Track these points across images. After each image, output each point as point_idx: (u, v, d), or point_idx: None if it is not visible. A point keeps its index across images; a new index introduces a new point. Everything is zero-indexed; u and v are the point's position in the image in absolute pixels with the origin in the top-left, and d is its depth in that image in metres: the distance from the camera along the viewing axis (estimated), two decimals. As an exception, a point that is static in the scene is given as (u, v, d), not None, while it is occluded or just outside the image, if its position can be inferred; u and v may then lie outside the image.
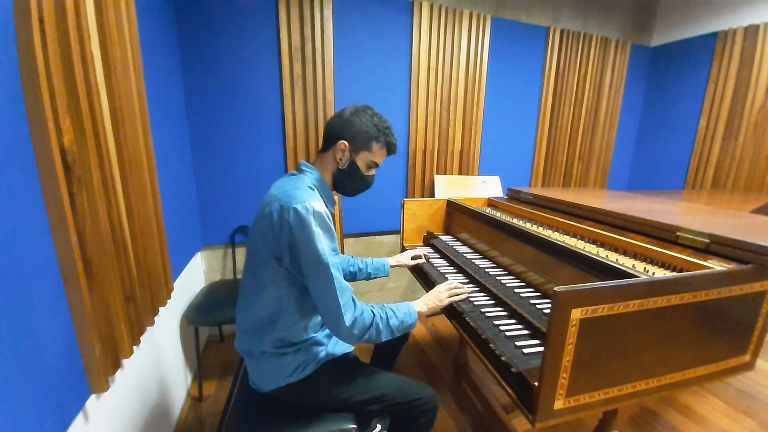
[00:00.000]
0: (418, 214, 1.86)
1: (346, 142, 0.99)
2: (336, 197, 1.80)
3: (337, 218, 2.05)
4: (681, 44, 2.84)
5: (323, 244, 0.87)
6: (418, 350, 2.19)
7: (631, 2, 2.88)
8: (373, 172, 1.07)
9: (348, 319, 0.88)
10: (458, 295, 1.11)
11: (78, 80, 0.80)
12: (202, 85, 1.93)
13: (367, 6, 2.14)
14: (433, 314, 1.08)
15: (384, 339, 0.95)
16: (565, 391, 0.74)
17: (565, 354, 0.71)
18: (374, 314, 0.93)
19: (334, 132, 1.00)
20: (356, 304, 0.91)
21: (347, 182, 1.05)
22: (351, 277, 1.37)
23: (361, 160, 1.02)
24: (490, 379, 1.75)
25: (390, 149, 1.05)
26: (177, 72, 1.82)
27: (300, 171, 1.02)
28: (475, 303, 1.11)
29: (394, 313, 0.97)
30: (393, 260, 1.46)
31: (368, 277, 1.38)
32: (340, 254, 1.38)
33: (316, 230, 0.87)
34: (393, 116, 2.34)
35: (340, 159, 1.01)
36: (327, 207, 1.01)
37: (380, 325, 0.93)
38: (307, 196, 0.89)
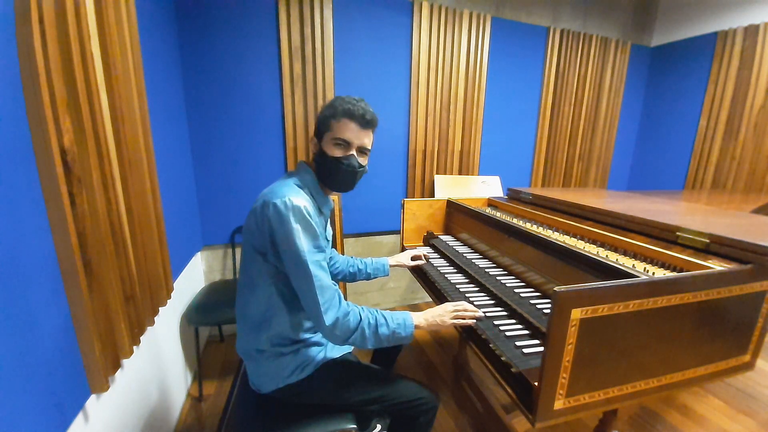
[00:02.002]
0: (418, 214, 1.86)
1: (313, 136, 1.01)
2: (334, 197, 1.78)
3: (337, 218, 2.05)
4: (681, 44, 2.84)
5: (302, 240, 0.85)
6: (418, 350, 2.19)
7: (631, 2, 2.88)
8: (351, 151, 0.96)
9: (328, 319, 0.85)
10: (464, 318, 0.99)
11: (78, 80, 0.80)
12: (202, 85, 1.93)
13: (367, 6, 2.14)
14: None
15: (370, 346, 0.90)
16: (565, 391, 0.74)
17: (565, 354, 0.71)
18: (361, 318, 0.89)
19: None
20: (341, 305, 0.88)
21: (326, 173, 0.98)
22: (351, 277, 1.37)
23: (328, 145, 0.96)
24: (490, 379, 1.75)
25: (349, 115, 0.94)
26: (177, 72, 1.81)
27: (296, 169, 1.03)
28: (476, 303, 1.11)
29: (386, 321, 0.91)
30: (393, 260, 1.46)
31: (368, 277, 1.38)
32: (339, 255, 1.38)
33: (295, 226, 0.85)
34: (393, 116, 2.34)
35: (314, 153, 1.01)
36: (321, 207, 1.00)
37: (366, 331, 0.88)
38: (288, 191, 0.89)
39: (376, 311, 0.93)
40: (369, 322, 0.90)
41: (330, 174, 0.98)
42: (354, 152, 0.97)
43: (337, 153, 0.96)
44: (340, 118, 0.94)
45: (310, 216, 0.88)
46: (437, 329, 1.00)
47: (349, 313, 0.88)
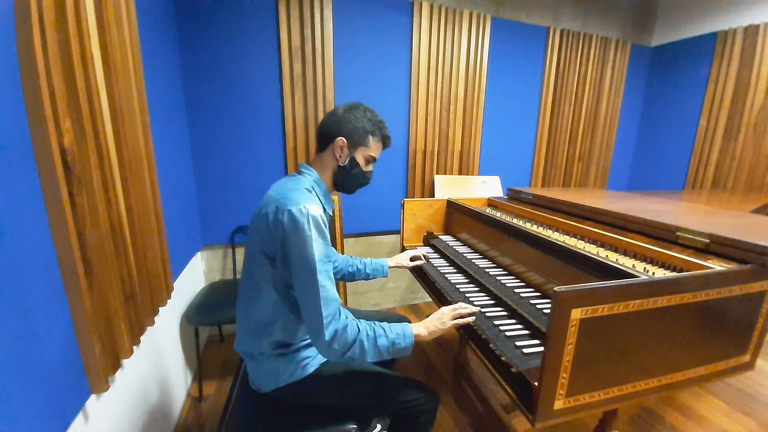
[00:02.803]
0: (418, 214, 1.86)
1: (344, 139, 0.98)
2: (335, 197, 1.78)
3: (336, 218, 2.05)
4: (681, 44, 2.84)
5: (315, 249, 0.85)
6: (418, 350, 2.19)
7: (631, 2, 2.88)
8: (371, 167, 1.07)
9: (329, 333, 0.84)
10: (463, 317, 1.00)
11: (78, 80, 0.80)
12: (202, 85, 1.93)
13: (367, 6, 2.14)
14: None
15: (370, 359, 0.89)
16: (565, 391, 0.74)
17: (565, 354, 0.71)
18: (359, 330, 0.87)
19: (330, 130, 0.99)
20: (341, 318, 0.87)
21: (348, 179, 1.04)
22: (350, 277, 1.37)
23: (360, 156, 1.02)
24: (490, 379, 1.75)
25: (386, 143, 1.05)
26: (177, 72, 1.81)
27: (299, 172, 1.02)
28: (476, 303, 1.11)
29: (384, 332, 0.90)
30: (392, 261, 1.46)
31: (367, 278, 1.38)
32: (338, 254, 1.38)
33: (310, 234, 0.84)
34: (393, 116, 2.34)
35: (340, 156, 1.00)
36: (325, 209, 1.00)
37: (365, 343, 0.87)
38: (303, 198, 0.88)
39: (373, 323, 0.92)
40: (367, 334, 0.88)
41: (353, 182, 1.05)
42: (372, 166, 1.08)
43: (367, 167, 1.05)
44: (378, 140, 1.03)
45: (325, 225, 0.89)
46: (440, 334, 1.00)
47: (347, 325, 0.86)
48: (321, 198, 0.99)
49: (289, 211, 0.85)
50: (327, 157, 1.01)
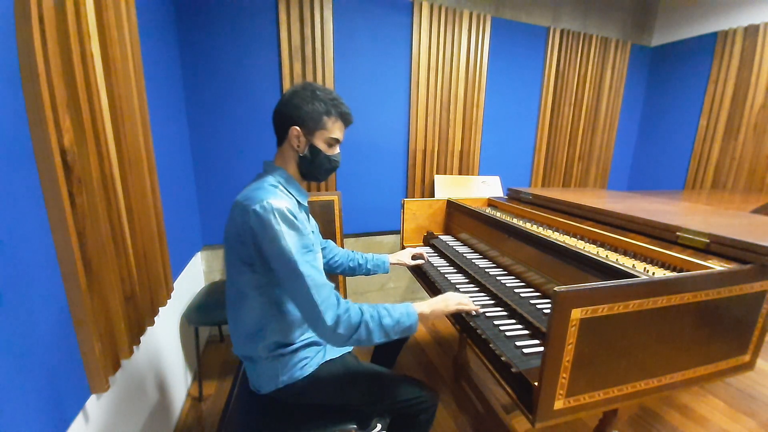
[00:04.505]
0: (418, 214, 1.86)
1: (297, 128, 0.93)
2: (334, 197, 1.77)
3: (336, 218, 2.05)
4: (681, 44, 2.84)
5: (289, 242, 0.82)
6: (418, 350, 2.19)
7: (631, 2, 2.88)
8: (337, 149, 1.01)
9: (329, 318, 0.81)
10: (466, 305, 1.02)
11: (78, 80, 0.80)
12: (202, 85, 1.93)
13: (367, 6, 2.14)
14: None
15: (377, 340, 0.87)
16: (565, 391, 0.74)
17: (565, 354, 0.71)
18: (363, 312, 0.85)
19: (282, 120, 0.94)
20: (340, 302, 0.85)
21: (313, 168, 0.99)
22: (350, 271, 1.36)
23: (320, 141, 0.96)
24: (490, 379, 1.75)
25: (345, 119, 0.98)
26: (177, 72, 1.82)
27: (264, 171, 1.00)
28: (476, 303, 1.11)
29: (388, 312, 0.89)
30: (393, 258, 1.46)
31: (368, 273, 1.38)
32: (338, 248, 1.37)
33: (278, 228, 0.82)
34: (393, 116, 2.34)
35: (298, 146, 0.95)
36: (299, 201, 0.98)
37: (370, 324, 0.85)
38: (265, 194, 0.86)
39: (375, 305, 0.91)
40: (372, 315, 0.86)
41: (320, 168, 1.00)
42: (338, 148, 1.02)
43: (330, 151, 0.99)
44: (336, 118, 0.96)
45: (293, 216, 0.86)
46: (441, 316, 1.01)
47: (349, 308, 0.85)
48: (290, 191, 0.96)
49: (254, 211, 0.83)
50: (287, 150, 0.97)
